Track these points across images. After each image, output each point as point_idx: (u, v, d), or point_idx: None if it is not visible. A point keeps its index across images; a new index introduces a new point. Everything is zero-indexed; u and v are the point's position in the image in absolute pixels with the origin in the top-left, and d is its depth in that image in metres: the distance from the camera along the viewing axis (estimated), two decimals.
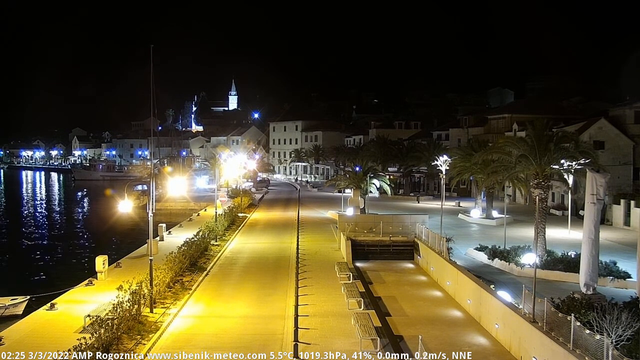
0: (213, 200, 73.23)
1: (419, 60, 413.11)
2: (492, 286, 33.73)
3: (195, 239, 46.09)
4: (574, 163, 44.50)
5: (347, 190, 77.05)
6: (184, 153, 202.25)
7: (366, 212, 68.69)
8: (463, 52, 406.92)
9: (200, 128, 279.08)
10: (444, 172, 61.53)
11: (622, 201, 64.82)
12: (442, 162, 63.86)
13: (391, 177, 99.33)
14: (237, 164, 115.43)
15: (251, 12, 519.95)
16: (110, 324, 24.87)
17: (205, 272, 41.63)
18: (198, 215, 73.63)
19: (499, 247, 46.69)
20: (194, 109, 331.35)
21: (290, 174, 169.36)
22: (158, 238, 52.74)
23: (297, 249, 49.75)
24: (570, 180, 55.08)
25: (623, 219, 64.18)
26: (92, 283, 37.07)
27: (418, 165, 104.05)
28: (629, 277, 38.38)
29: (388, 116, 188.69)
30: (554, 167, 45.54)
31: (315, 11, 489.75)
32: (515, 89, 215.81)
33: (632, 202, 63.07)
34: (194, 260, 43.53)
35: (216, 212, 60.73)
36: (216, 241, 53.40)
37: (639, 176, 73.10)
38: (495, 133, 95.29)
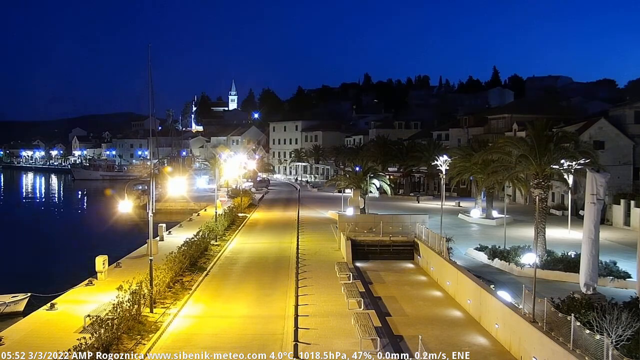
0: (213, 200, 73.17)
1: (419, 60, 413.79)
2: (492, 286, 33.72)
3: (195, 239, 46.11)
4: (574, 163, 44.52)
5: (347, 190, 77.08)
6: (184, 153, 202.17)
7: (366, 212, 68.66)
8: (464, 51, 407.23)
9: (200, 128, 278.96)
10: (444, 172, 61.55)
11: (622, 201, 64.80)
12: (442, 162, 63.85)
13: (391, 177, 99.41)
14: (237, 164, 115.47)
15: (252, 11, 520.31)
16: (110, 324, 24.86)
17: (205, 272, 41.65)
18: (198, 215, 73.62)
19: (499, 247, 46.68)
20: (194, 109, 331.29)
21: (290, 174, 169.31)
22: (158, 238, 52.73)
23: (297, 248, 49.71)
24: (570, 180, 55.09)
25: (623, 219, 64.17)
26: (92, 283, 37.08)
27: (418, 165, 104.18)
28: (629, 277, 38.38)
29: (388, 116, 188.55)
30: (554, 167, 45.54)
31: (317, 11, 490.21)
32: (515, 89, 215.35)
33: (632, 202, 63.04)
34: (194, 260, 43.55)
35: (216, 212, 60.74)
36: (216, 241, 53.41)
37: (639, 176, 73.15)
38: (495, 133, 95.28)
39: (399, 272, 43.41)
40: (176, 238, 52.34)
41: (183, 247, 42.00)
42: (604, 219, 60.14)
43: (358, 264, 45.06)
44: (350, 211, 65.94)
